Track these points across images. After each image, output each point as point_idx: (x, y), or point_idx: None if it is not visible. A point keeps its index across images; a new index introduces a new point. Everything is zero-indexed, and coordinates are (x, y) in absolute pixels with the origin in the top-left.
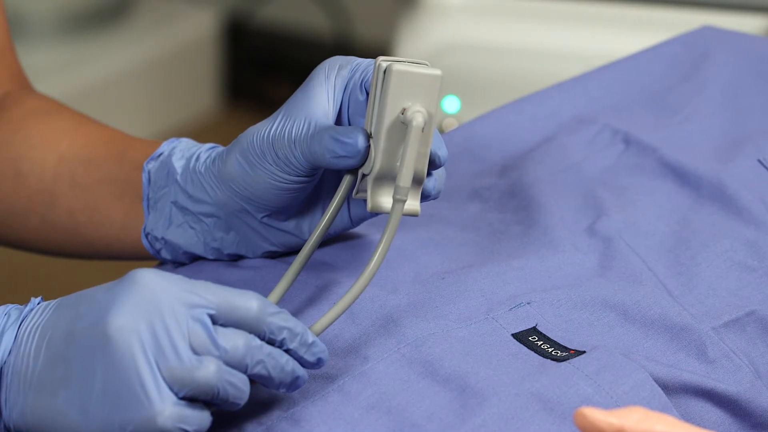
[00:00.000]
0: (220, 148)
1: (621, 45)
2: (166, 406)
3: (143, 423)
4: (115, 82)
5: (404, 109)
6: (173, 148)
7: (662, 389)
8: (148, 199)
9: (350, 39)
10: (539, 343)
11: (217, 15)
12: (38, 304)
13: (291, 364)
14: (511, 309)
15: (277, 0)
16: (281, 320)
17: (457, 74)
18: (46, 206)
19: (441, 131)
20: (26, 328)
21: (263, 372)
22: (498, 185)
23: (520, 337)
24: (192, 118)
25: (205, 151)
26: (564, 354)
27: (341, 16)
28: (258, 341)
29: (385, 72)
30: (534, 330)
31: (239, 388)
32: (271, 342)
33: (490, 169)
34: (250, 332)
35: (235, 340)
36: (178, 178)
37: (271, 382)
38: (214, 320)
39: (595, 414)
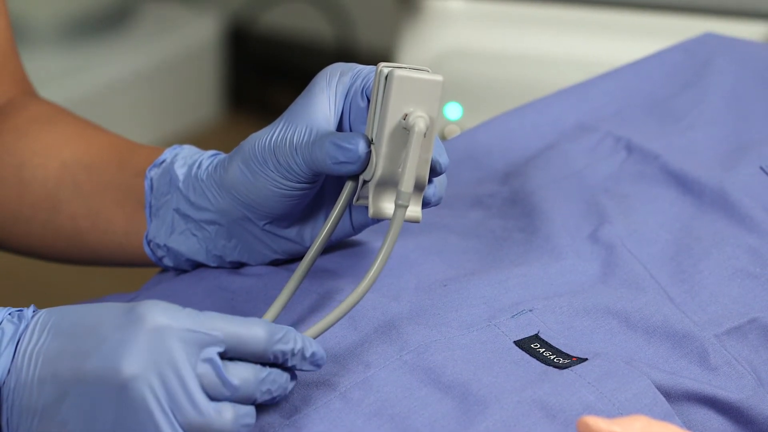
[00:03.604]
0: (222, 156)
1: (623, 52)
2: None
3: None
4: (118, 89)
5: (406, 115)
6: (176, 155)
7: (664, 396)
8: (150, 207)
9: (352, 45)
10: (541, 350)
11: (219, 21)
12: (32, 318)
13: (291, 382)
14: (513, 316)
15: (280, 6)
16: (286, 345)
17: (459, 81)
18: (48, 213)
19: (443, 138)
20: (26, 351)
21: (268, 397)
22: (500, 192)
23: (522, 344)
24: (194, 124)
25: (207, 158)
26: (566, 361)
27: (343, 23)
28: (265, 371)
29: (386, 78)
30: (536, 337)
31: (249, 424)
32: (274, 361)
33: (493, 176)
34: (258, 360)
35: (244, 375)
36: (180, 185)
37: (273, 401)
38: (223, 355)
39: (598, 423)
